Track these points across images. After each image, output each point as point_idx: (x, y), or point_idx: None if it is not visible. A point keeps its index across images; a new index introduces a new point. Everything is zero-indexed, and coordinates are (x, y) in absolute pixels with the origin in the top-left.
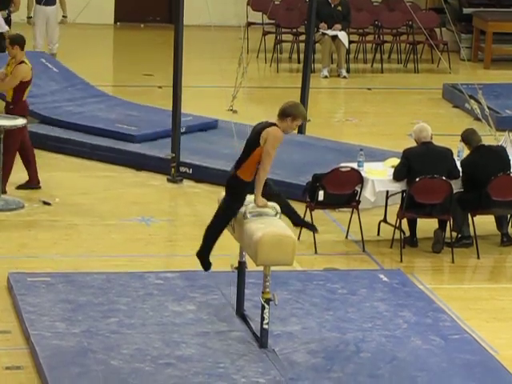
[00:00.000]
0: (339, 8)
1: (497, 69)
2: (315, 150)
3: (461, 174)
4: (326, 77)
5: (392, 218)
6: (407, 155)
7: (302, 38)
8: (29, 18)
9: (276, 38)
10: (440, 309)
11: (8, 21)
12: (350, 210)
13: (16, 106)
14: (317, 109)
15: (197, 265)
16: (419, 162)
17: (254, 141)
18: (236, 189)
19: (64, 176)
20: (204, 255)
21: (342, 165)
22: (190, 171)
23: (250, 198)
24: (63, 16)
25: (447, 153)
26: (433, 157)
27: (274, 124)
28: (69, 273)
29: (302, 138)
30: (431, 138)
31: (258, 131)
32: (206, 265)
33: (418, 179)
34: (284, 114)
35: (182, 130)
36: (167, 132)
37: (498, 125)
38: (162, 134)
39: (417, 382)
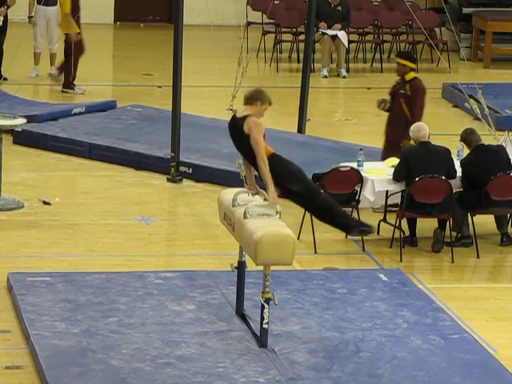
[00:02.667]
0: (339, 8)
1: (496, 68)
2: (315, 150)
3: (459, 174)
4: (325, 76)
5: (392, 217)
6: (406, 155)
7: (302, 37)
8: (30, 17)
9: (276, 37)
10: (440, 308)
11: (5, 18)
12: (350, 209)
13: None
14: (316, 108)
15: (196, 264)
16: (418, 162)
17: (245, 138)
18: (273, 171)
19: (64, 176)
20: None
21: (342, 164)
22: (190, 171)
23: (249, 197)
24: None
25: (445, 152)
26: (431, 156)
27: (245, 116)
28: (68, 272)
29: (302, 138)
30: (429, 138)
31: (239, 129)
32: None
33: (417, 179)
34: (251, 98)
35: (82, 110)
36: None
37: (497, 124)
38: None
39: (416, 381)
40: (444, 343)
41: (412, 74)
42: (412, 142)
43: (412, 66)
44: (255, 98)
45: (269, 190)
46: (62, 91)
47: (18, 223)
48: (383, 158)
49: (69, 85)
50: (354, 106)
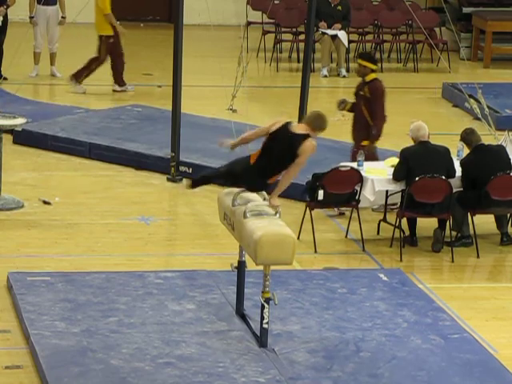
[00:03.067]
0: (339, 7)
1: (496, 68)
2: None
3: (458, 174)
4: (325, 76)
5: (392, 217)
6: (405, 154)
7: (302, 37)
8: (31, 17)
9: (276, 37)
10: (440, 308)
11: (5, 18)
12: (350, 209)
13: None
14: (316, 108)
15: (196, 264)
16: (417, 161)
17: (290, 155)
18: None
19: (63, 175)
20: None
21: (342, 164)
22: (190, 170)
23: (249, 196)
24: (62, 17)
25: (445, 152)
26: (430, 156)
27: (307, 135)
28: (68, 272)
29: None
30: (428, 137)
31: (293, 146)
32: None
33: (417, 178)
34: (317, 126)
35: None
36: None
37: (497, 124)
38: None
39: (416, 381)
40: (444, 343)
41: (372, 76)
42: (365, 142)
43: (373, 67)
44: (321, 126)
45: (275, 196)
46: (114, 91)
47: (17, 223)
48: (352, 159)
49: (121, 83)
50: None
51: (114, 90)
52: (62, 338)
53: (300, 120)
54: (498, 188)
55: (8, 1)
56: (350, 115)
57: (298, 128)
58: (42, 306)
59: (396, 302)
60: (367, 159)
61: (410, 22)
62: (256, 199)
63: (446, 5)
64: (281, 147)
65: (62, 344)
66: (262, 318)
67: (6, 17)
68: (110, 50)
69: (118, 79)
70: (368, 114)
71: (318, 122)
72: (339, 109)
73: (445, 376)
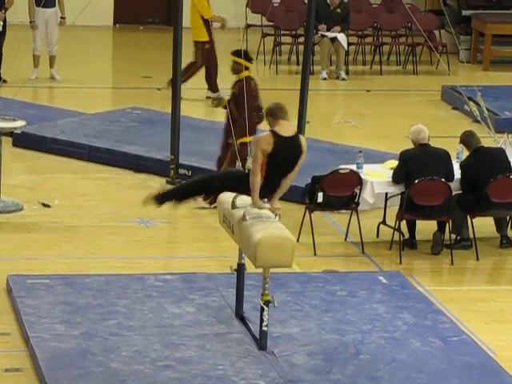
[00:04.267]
0: (338, 10)
1: (496, 71)
2: (314, 152)
3: (457, 177)
4: (325, 79)
5: (391, 220)
6: (404, 157)
7: (301, 39)
8: (31, 22)
9: (275, 39)
10: (439, 311)
11: (4, 22)
12: (349, 211)
13: None
14: (316, 111)
15: (196, 267)
16: (416, 164)
17: (297, 158)
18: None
19: (63, 178)
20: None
21: (341, 167)
22: (189, 173)
23: (249, 199)
24: (61, 17)
25: (444, 154)
26: (430, 158)
27: (298, 132)
28: (68, 275)
29: None
30: (428, 140)
31: (299, 149)
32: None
33: (417, 181)
34: (286, 113)
35: None
36: None
37: (497, 127)
38: None
39: (416, 383)
40: (443, 345)
41: (245, 73)
42: (241, 140)
43: (246, 64)
44: (286, 112)
45: (276, 198)
46: (207, 97)
47: (17, 226)
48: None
49: (214, 88)
50: (354, 108)
51: (207, 97)
52: (61, 340)
53: (299, 124)
54: (498, 190)
55: (6, 4)
56: (347, 118)
57: (286, 129)
58: (41, 309)
59: (395, 304)
60: (238, 155)
61: (409, 24)
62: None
63: (446, 7)
64: (289, 157)
65: (61, 347)
66: (262, 320)
67: (4, 20)
68: (206, 56)
69: (212, 85)
70: (236, 111)
71: (284, 111)
72: (214, 105)
73: (444, 378)
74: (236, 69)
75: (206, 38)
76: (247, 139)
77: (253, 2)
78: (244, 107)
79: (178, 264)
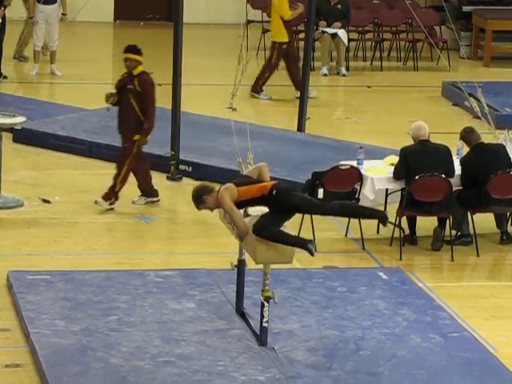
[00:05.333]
0: (339, 6)
1: (496, 67)
2: (315, 148)
3: (457, 173)
4: (325, 75)
5: (392, 216)
6: (405, 153)
7: (302, 35)
8: (30, 17)
9: None
10: (439, 307)
11: (3, 18)
12: None
13: None
14: (316, 107)
15: (196, 263)
16: (417, 160)
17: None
18: None
19: (63, 174)
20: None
21: (342, 163)
22: (190, 169)
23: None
24: (63, 14)
25: (445, 150)
26: (430, 155)
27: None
28: (68, 271)
29: (302, 136)
30: (429, 136)
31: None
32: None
33: (417, 177)
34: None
35: None
36: None
37: (497, 123)
38: None
39: (416, 379)
40: (444, 341)
41: (140, 68)
42: (136, 137)
43: (139, 59)
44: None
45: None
46: (251, 94)
47: (17, 221)
48: (123, 157)
49: (256, 88)
50: (354, 105)
51: (296, 97)
52: (61, 336)
53: (299, 121)
54: (498, 186)
55: (5, 1)
56: (348, 114)
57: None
58: (41, 305)
59: (396, 300)
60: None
61: (409, 20)
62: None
63: (446, 3)
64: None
65: (61, 342)
66: (262, 316)
67: (4, 17)
68: (283, 56)
69: (298, 85)
70: (138, 107)
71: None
72: (108, 102)
73: (444, 374)
74: (132, 65)
75: (285, 39)
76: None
77: None
78: (149, 103)
79: (179, 260)
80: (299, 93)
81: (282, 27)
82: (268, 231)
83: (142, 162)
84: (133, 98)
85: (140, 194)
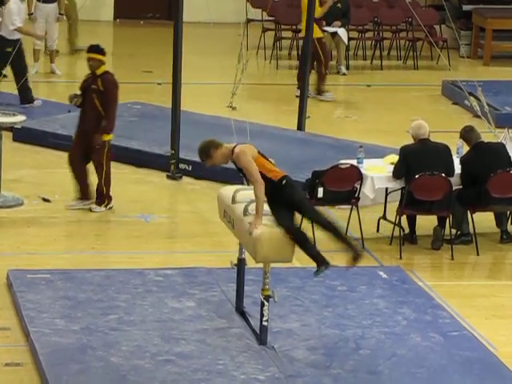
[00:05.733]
0: (339, 5)
1: (496, 66)
2: (315, 147)
3: (457, 172)
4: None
5: (391, 215)
6: (405, 152)
7: (302, 34)
8: (30, 14)
9: (275, 34)
10: (439, 306)
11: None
12: (350, 207)
13: None
14: (316, 105)
15: (196, 262)
16: (417, 159)
17: None
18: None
19: (63, 173)
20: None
21: (342, 161)
22: (190, 168)
23: (249, 194)
24: (60, 13)
25: (445, 149)
26: (430, 154)
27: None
28: (68, 270)
29: (302, 135)
30: (428, 135)
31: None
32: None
33: (417, 176)
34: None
35: None
36: None
37: (497, 122)
38: None
39: (416, 378)
40: (443, 340)
41: (103, 68)
42: (109, 137)
43: (102, 59)
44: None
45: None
46: (314, 97)
47: (17, 220)
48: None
49: (319, 90)
50: (354, 103)
51: (296, 96)
52: (61, 335)
53: (299, 119)
54: (498, 185)
55: (5, 1)
56: (348, 113)
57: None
58: (41, 304)
59: (396, 299)
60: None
61: (409, 19)
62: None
63: (446, 2)
64: None
65: (61, 341)
66: (262, 315)
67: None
68: (322, 50)
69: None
70: (101, 107)
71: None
72: (72, 104)
73: (444, 373)
74: (95, 65)
75: (320, 35)
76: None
77: None
78: (111, 102)
79: (179, 259)
80: (299, 91)
81: (314, 24)
82: (292, 229)
83: (83, 165)
84: (96, 98)
85: (78, 197)
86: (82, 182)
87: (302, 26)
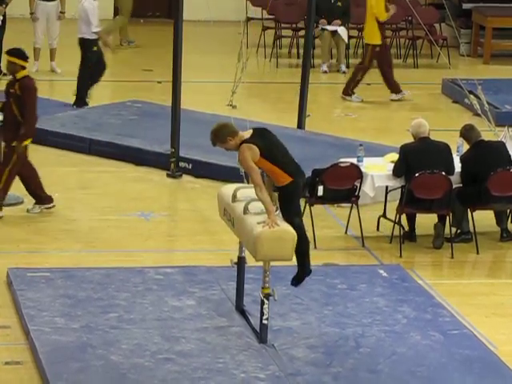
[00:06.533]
0: (339, 3)
1: (496, 64)
2: (315, 145)
3: (457, 170)
4: (325, 72)
5: (392, 213)
6: (405, 151)
7: (302, 33)
8: (31, 13)
9: (276, 33)
10: (439, 304)
11: (4, 15)
12: (350, 205)
13: None
14: (316, 104)
15: (196, 260)
16: (417, 157)
17: None
18: None
19: (63, 171)
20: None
21: (342, 160)
22: (190, 166)
23: (249, 193)
24: (61, 12)
25: (445, 148)
26: (430, 152)
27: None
28: (68, 268)
29: (302, 133)
30: (429, 134)
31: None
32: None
33: (417, 174)
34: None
35: None
36: None
37: (497, 120)
38: None
39: (416, 376)
40: (443, 339)
41: (23, 73)
42: (26, 142)
43: (22, 63)
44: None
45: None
46: (342, 97)
47: (17, 219)
48: (4, 160)
49: (347, 91)
50: (354, 102)
51: (391, 100)
52: (61, 333)
53: (299, 118)
54: (498, 184)
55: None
56: (348, 111)
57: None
58: (41, 302)
59: (396, 298)
60: (19, 159)
61: (409, 18)
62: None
63: (446, 1)
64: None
65: (61, 340)
66: (262, 313)
67: (4, 14)
68: (377, 59)
69: (393, 88)
70: (19, 112)
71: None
72: None
73: (444, 372)
74: (12, 69)
75: (378, 42)
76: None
77: None
78: (28, 107)
79: (179, 257)
80: (394, 95)
81: (377, 29)
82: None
83: (28, 169)
84: (14, 103)
85: (34, 201)
86: (30, 186)
87: (365, 31)
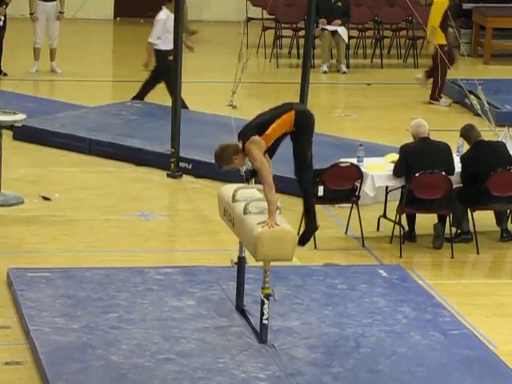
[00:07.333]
0: (339, 3)
1: (496, 64)
2: (315, 145)
3: (457, 170)
4: (325, 72)
5: (392, 213)
6: (405, 151)
7: (302, 33)
8: (31, 14)
9: (276, 33)
10: (439, 304)
11: (4, 16)
12: (350, 205)
13: None
14: (316, 104)
15: (196, 260)
16: (417, 158)
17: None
18: None
19: (63, 171)
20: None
21: (342, 160)
22: (190, 166)
23: (249, 192)
24: (60, 12)
25: (445, 148)
26: (430, 152)
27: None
28: (68, 268)
29: None
30: (428, 134)
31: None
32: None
33: (417, 174)
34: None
35: None
36: None
37: (497, 120)
38: None
39: (416, 377)
40: (444, 339)
41: None
42: None
43: None
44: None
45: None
46: (430, 102)
47: (17, 219)
48: None
49: (435, 96)
50: (354, 102)
51: (430, 102)
52: (61, 334)
53: None
54: (498, 184)
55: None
56: (348, 111)
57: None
58: (41, 302)
59: (396, 298)
60: None
61: (410, 17)
62: (256, 195)
63: None
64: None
65: (61, 340)
66: (262, 313)
67: (4, 15)
68: (432, 59)
69: (433, 92)
70: None
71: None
72: None
73: (444, 372)
74: None
75: (443, 41)
76: None
77: None
78: None
79: (179, 257)
80: (439, 99)
81: (439, 30)
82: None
83: None
84: None
85: None
86: None
87: (428, 33)
